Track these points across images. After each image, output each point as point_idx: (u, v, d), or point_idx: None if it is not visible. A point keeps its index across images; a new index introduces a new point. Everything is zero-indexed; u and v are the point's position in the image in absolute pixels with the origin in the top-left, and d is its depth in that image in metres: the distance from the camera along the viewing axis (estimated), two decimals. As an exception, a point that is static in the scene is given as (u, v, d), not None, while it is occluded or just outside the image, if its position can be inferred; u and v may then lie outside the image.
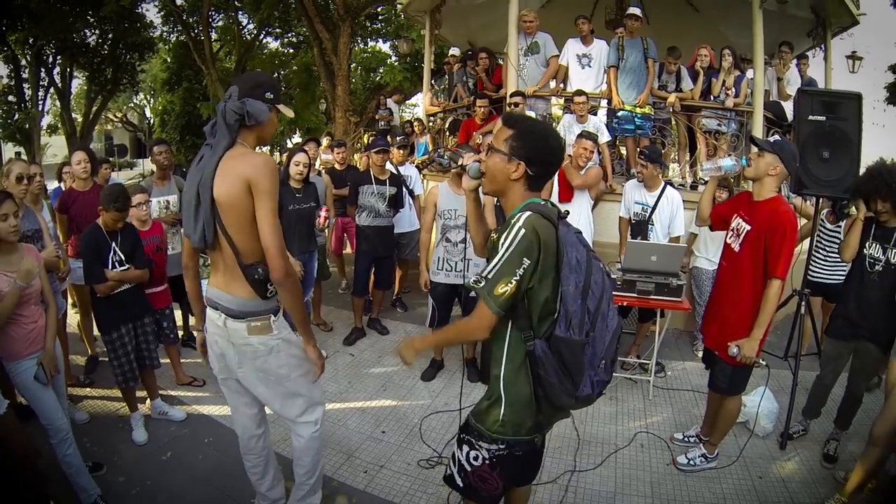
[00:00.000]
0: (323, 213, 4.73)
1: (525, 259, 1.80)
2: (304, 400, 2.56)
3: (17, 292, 2.75)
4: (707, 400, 3.63)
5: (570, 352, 1.81)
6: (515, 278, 1.80)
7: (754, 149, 3.16)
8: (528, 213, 1.85)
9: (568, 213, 2.03)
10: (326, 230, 5.55)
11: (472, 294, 1.87)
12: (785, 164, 2.99)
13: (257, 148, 2.37)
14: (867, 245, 3.42)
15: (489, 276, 1.82)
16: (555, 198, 4.81)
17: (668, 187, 4.75)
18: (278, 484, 2.85)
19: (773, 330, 5.28)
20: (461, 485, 2.11)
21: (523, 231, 1.81)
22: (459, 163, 2.20)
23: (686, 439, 3.76)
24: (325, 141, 8.39)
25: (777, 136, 3.99)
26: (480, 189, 2.11)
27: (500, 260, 1.82)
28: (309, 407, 2.59)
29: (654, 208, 4.68)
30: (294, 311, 2.37)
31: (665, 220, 4.68)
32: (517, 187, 1.97)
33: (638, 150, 5.59)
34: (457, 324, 1.98)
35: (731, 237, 3.23)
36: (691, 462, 3.47)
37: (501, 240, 1.84)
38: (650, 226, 4.70)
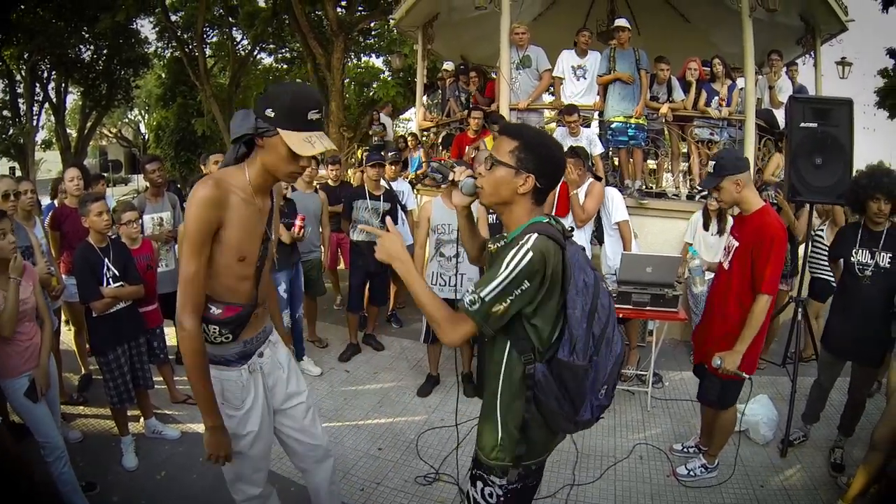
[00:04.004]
0: (298, 222, 4.56)
1: (526, 282, 1.70)
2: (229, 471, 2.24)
3: (16, 288, 2.76)
4: (701, 410, 3.61)
5: (573, 376, 1.73)
6: (511, 298, 1.71)
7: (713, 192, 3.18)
8: (536, 234, 1.72)
9: (573, 230, 1.93)
10: (315, 240, 5.45)
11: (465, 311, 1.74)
12: (737, 171, 2.96)
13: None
14: (854, 252, 3.41)
15: (486, 298, 1.71)
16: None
17: (606, 186, 5.07)
18: None
19: (772, 339, 5.30)
20: None
21: (531, 255, 1.69)
22: (451, 178, 2.09)
23: (685, 450, 3.73)
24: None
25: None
26: (473, 205, 2.00)
27: (501, 281, 1.70)
28: (232, 482, 2.27)
29: None
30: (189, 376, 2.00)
31: (604, 215, 4.92)
32: (524, 202, 1.84)
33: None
34: (442, 315, 1.78)
35: (723, 256, 3.24)
36: (691, 473, 3.44)
37: (508, 258, 1.71)
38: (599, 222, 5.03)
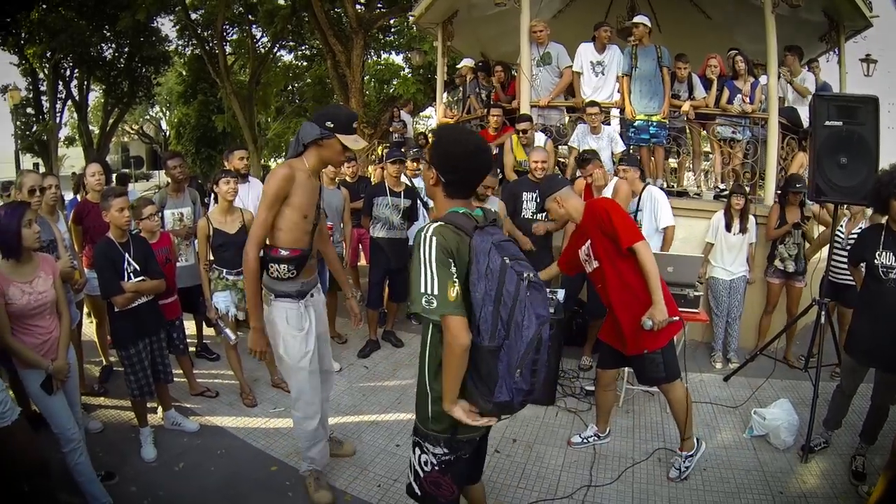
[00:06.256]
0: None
1: (448, 259, 1.87)
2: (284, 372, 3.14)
3: None
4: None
5: (480, 357, 1.87)
6: (454, 278, 1.87)
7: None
8: (434, 224, 1.93)
9: (496, 219, 2.06)
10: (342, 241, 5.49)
11: (420, 318, 1.93)
12: (558, 188, 3.34)
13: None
14: (877, 254, 3.31)
15: (436, 293, 1.84)
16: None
17: (650, 186, 5.02)
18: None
19: (793, 340, 5.22)
20: (419, 493, 2.14)
21: (433, 239, 1.88)
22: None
23: (584, 441, 3.82)
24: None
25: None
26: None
27: (431, 274, 1.85)
28: (296, 399, 3.09)
29: (637, 208, 4.90)
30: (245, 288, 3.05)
31: (650, 216, 4.88)
32: (438, 194, 2.07)
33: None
34: (445, 357, 1.91)
35: (587, 266, 3.42)
36: (682, 470, 3.42)
37: (419, 257, 1.88)
38: (639, 224, 4.83)
